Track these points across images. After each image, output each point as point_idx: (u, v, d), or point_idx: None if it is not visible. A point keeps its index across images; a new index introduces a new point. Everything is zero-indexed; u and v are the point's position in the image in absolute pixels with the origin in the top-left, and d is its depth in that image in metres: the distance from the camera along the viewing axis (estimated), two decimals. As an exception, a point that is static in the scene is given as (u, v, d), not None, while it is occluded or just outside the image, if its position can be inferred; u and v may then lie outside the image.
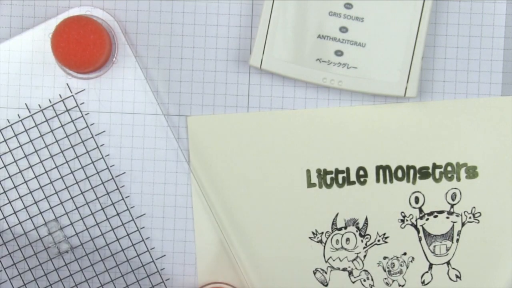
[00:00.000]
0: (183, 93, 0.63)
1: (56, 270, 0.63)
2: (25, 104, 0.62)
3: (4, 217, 0.63)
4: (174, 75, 0.63)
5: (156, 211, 0.63)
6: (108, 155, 0.63)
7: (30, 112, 0.62)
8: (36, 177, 0.63)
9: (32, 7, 0.63)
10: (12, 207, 0.63)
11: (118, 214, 0.63)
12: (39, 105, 0.63)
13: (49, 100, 0.62)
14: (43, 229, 0.63)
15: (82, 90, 0.62)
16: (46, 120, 0.62)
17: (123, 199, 0.63)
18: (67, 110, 0.62)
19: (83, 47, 0.59)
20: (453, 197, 0.62)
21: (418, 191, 0.62)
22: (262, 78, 0.63)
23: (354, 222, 0.63)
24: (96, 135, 0.63)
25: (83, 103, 0.62)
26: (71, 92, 0.62)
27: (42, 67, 0.62)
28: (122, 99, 0.63)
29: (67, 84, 0.62)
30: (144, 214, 0.63)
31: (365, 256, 0.63)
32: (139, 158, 0.63)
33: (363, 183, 0.62)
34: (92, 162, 0.63)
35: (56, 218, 0.63)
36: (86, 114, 0.62)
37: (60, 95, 0.62)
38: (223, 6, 0.63)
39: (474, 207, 0.62)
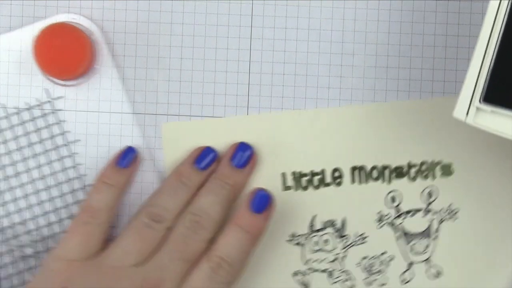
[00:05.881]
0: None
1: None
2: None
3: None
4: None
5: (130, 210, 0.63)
6: (80, 164, 0.63)
7: (7, 113, 0.62)
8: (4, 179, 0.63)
9: (32, 6, 0.63)
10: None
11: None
12: (16, 107, 0.62)
13: (26, 103, 0.62)
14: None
15: (60, 97, 0.62)
16: (22, 123, 0.62)
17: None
18: (42, 116, 0.62)
19: (64, 55, 0.59)
20: (430, 195, 0.63)
21: (394, 191, 0.63)
22: (262, 78, 0.63)
23: (332, 224, 0.63)
24: (69, 142, 0.62)
25: (60, 109, 0.62)
26: (48, 97, 0.62)
27: (24, 68, 0.62)
28: (98, 109, 0.63)
29: (46, 89, 0.62)
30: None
31: (344, 257, 0.63)
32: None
33: (338, 184, 0.62)
34: (62, 170, 0.63)
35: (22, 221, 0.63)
36: (60, 121, 0.62)
37: (37, 99, 0.62)
38: (223, 6, 0.63)
39: (451, 204, 0.62)
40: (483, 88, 0.53)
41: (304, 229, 0.63)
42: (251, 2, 0.63)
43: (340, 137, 0.62)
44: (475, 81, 0.53)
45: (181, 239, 0.57)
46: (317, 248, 0.63)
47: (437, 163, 0.62)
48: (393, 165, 0.62)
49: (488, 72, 0.53)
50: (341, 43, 0.63)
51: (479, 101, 0.53)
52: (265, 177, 0.62)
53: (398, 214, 0.63)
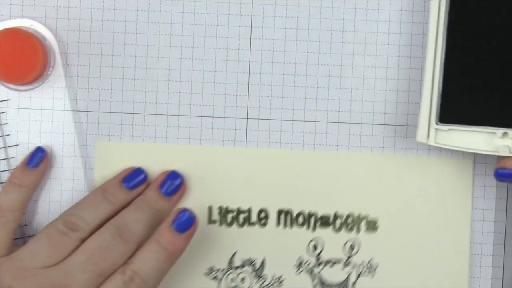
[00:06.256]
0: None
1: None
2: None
3: None
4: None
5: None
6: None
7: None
8: None
9: (32, 7, 0.63)
10: None
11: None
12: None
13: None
14: None
15: (7, 100, 0.62)
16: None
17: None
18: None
19: (15, 60, 0.59)
20: (351, 248, 0.63)
21: (316, 239, 0.63)
22: (262, 78, 0.63)
23: (251, 263, 0.63)
24: (9, 146, 0.62)
25: (4, 112, 0.62)
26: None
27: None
28: (40, 118, 0.63)
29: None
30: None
31: None
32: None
33: (263, 225, 0.63)
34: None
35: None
36: (4, 124, 0.62)
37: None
38: (223, 6, 0.63)
39: (371, 259, 0.63)
40: (437, 110, 0.59)
41: (223, 265, 0.63)
42: (251, 2, 0.63)
43: (271, 179, 0.63)
44: (429, 106, 0.59)
45: (98, 250, 0.56)
46: (233, 285, 0.63)
47: (363, 217, 0.63)
48: (320, 214, 0.63)
49: (438, 96, 0.59)
50: (341, 43, 0.63)
51: (436, 122, 0.59)
52: (191, 208, 0.63)
53: (318, 262, 0.63)
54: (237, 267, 0.63)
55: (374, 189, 0.63)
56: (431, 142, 0.59)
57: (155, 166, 0.62)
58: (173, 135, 0.63)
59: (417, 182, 0.62)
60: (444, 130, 0.59)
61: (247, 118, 0.63)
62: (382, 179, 0.62)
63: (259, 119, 0.63)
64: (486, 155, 0.61)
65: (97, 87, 0.63)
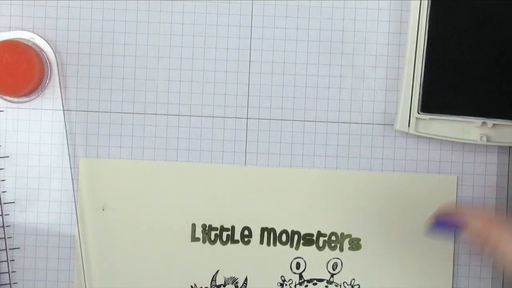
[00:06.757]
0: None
1: None
2: None
3: None
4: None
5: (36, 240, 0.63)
6: (4, 180, 0.62)
7: None
8: None
9: (32, 6, 0.63)
10: None
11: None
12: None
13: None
14: None
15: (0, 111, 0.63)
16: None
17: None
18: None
19: (11, 73, 0.59)
20: (334, 266, 0.63)
21: (300, 257, 0.63)
22: (262, 78, 0.63)
23: (234, 281, 0.63)
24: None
25: None
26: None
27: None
28: (28, 130, 0.63)
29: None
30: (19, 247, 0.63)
31: None
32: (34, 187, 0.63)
33: (247, 243, 0.63)
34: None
35: None
36: None
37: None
38: (223, 6, 0.63)
39: (353, 279, 0.63)
40: (419, 100, 0.60)
41: (206, 283, 0.63)
42: (251, 2, 0.63)
43: (254, 197, 0.63)
44: (410, 96, 0.60)
45: None
46: None
47: (347, 236, 0.63)
48: (303, 232, 0.63)
49: (420, 86, 0.60)
50: (341, 43, 0.63)
51: (417, 111, 0.60)
52: (175, 226, 0.62)
53: (300, 281, 0.63)
54: (219, 286, 0.63)
55: (358, 207, 0.62)
56: (412, 131, 0.60)
57: (140, 183, 0.62)
58: (173, 135, 0.63)
59: (401, 200, 0.62)
60: (425, 120, 0.60)
61: (247, 118, 0.63)
62: (366, 197, 0.62)
63: (259, 119, 0.63)
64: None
65: (97, 87, 0.63)
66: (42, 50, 0.62)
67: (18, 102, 0.62)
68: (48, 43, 0.62)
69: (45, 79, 0.62)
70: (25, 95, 0.61)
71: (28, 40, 0.62)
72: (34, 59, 0.60)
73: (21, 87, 0.60)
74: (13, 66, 0.59)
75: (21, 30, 0.62)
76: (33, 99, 0.62)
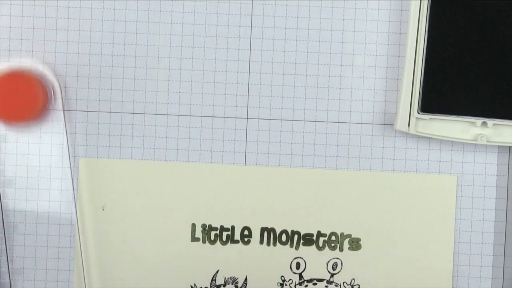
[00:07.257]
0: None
1: None
2: None
3: None
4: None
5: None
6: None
7: None
8: None
9: (32, 6, 0.63)
10: None
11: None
12: None
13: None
14: None
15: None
16: None
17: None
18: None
19: (14, 103, 0.59)
20: (334, 267, 0.63)
21: (300, 257, 0.63)
22: (262, 78, 0.63)
23: (234, 281, 0.63)
24: None
25: None
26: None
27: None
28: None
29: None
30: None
31: None
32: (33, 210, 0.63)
33: (246, 243, 0.63)
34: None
35: None
36: None
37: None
38: (223, 6, 0.63)
39: (353, 279, 0.63)
40: (419, 100, 0.60)
41: (206, 283, 0.63)
42: (251, 2, 0.63)
43: (254, 197, 0.63)
44: (410, 96, 0.60)
45: None
46: None
47: (347, 236, 0.63)
48: (303, 232, 0.63)
49: (420, 86, 0.60)
50: (341, 43, 0.63)
51: (418, 111, 0.60)
52: (174, 226, 0.62)
53: (300, 281, 0.63)
54: (219, 286, 0.63)
55: (357, 207, 0.62)
56: (412, 131, 0.60)
57: (140, 183, 0.62)
58: (173, 135, 0.63)
59: (401, 200, 0.62)
60: (425, 119, 0.60)
61: (247, 118, 0.63)
62: (366, 197, 0.62)
63: (259, 119, 0.63)
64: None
65: (97, 87, 0.63)
66: (44, 76, 0.62)
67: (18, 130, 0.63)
68: (50, 67, 0.62)
69: (48, 106, 0.62)
70: (28, 123, 0.62)
71: (30, 67, 0.62)
72: (37, 90, 0.60)
73: (23, 119, 0.60)
74: (17, 96, 0.59)
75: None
76: (35, 126, 0.63)
